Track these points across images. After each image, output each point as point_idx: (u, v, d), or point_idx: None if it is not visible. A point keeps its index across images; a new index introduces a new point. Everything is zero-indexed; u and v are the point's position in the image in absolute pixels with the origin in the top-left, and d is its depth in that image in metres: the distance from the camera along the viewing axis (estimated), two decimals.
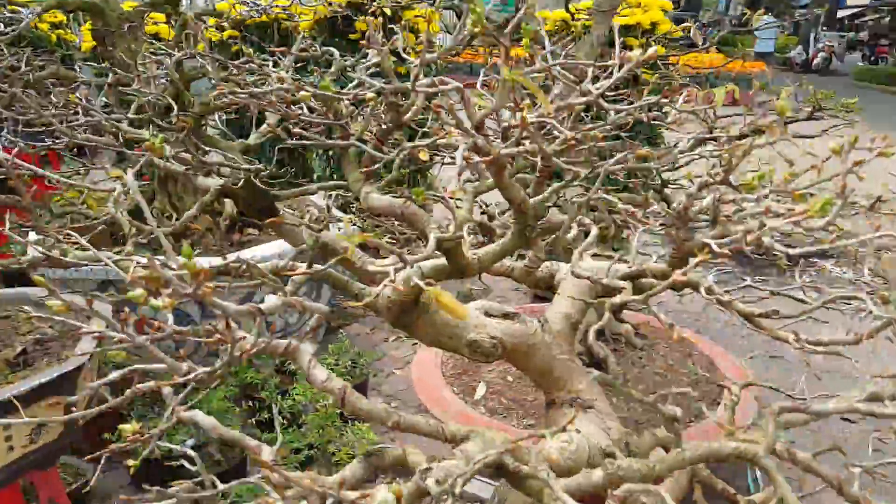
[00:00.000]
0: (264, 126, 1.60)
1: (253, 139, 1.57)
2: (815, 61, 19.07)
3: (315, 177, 4.87)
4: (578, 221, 1.30)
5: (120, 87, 1.86)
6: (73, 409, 2.55)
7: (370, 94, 1.03)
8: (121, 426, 0.88)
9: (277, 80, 1.16)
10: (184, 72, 1.55)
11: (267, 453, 1.04)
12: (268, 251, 3.54)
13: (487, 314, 1.37)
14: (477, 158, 1.00)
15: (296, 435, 3.04)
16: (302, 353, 0.98)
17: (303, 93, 0.99)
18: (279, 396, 3.23)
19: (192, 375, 0.88)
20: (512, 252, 1.28)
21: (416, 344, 3.97)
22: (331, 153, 5.00)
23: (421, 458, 1.01)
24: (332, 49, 1.25)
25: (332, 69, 1.15)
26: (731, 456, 1.01)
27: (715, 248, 0.90)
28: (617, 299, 0.92)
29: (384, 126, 1.13)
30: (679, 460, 1.03)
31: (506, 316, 1.37)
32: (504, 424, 2.78)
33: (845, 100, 2.51)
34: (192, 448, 3.14)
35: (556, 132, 0.97)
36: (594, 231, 1.06)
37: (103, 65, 3.47)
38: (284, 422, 3.11)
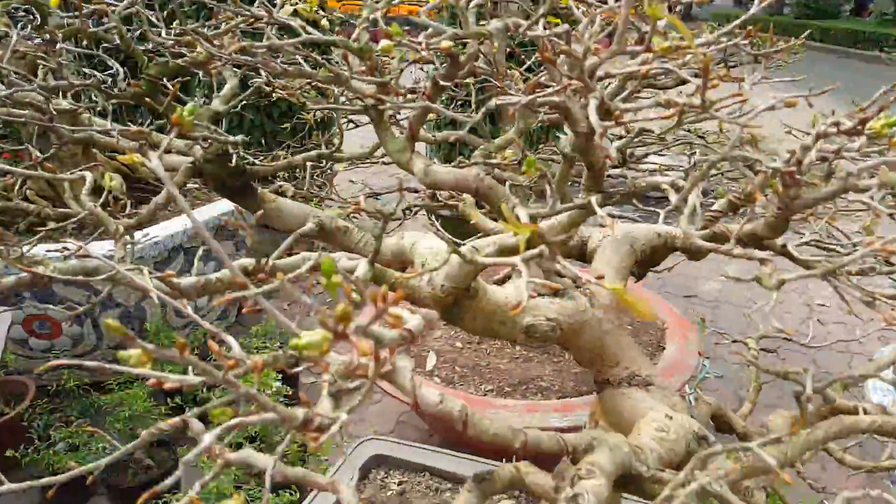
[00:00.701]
0: (227, 88, 1.34)
1: (219, 105, 1.31)
2: (677, 8, 19.78)
3: None
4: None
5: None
6: None
7: (445, 42, 0.83)
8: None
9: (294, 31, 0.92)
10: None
11: (348, 494, 0.85)
12: (167, 231, 3.19)
13: (536, 292, 1.22)
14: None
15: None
16: (401, 370, 0.79)
17: (385, 42, 0.77)
18: (205, 388, 2.94)
19: (318, 422, 0.66)
20: (580, 222, 1.14)
21: None
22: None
23: (542, 477, 0.85)
24: None
25: (364, 13, 0.93)
26: (868, 430, 0.93)
27: (878, 206, 0.79)
28: (793, 276, 0.79)
29: (436, 81, 0.93)
30: (812, 441, 0.94)
31: (555, 293, 1.23)
32: (462, 393, 2.66)
33: (792, 43, 2.50)
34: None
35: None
36: (693, 195, 0.92)
37: None
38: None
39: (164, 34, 1.27)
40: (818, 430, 0.94)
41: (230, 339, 0.79)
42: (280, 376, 2.78)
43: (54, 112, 1.25)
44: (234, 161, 1.16)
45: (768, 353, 3.62)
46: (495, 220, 1.32)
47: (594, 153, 0.94)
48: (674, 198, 0.93)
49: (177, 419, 0.90)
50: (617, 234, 1.33)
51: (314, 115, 2.78)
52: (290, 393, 2.95)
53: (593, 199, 0.86)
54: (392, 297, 0.49)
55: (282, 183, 1.46)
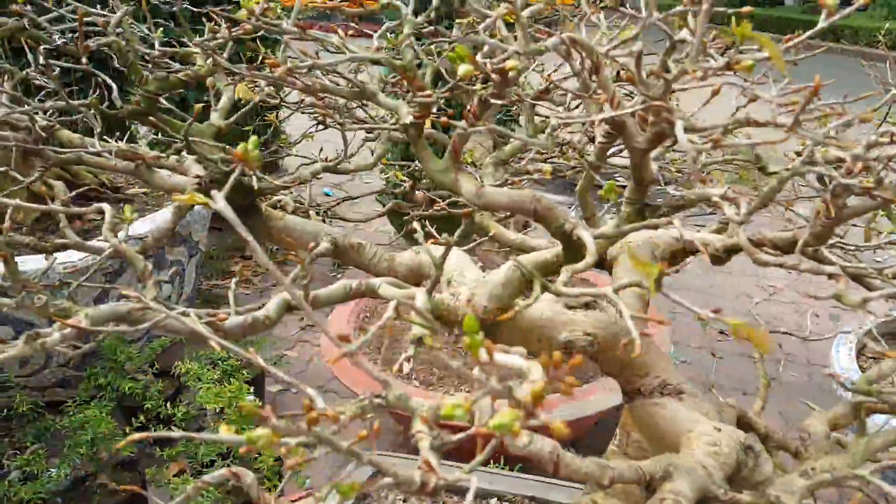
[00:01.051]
0: (224, 101, 1.26)
1: (218, 119, 1.22)
2: None
3: None
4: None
5: None
6: None
7: (511, 62, 0.78)
8: None
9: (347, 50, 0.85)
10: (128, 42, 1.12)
11: None
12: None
13: (567, 306, 1.20)
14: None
15: (203, 446, 2.66)
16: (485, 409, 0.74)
17: (466, 68, 0.72)
18: (167, 404, 2.81)
19: (433, 483, 0.61)
20: (624, 236, 1.11)
21: (302, 319, 3.67)
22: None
23: None
24: None
25: (406, 29, 0.86)
26: None
27: None
28: (875, 294, 0.78)
29: (484, 99, 0.88)
30: (870, 451, 0.94)
31: (587, 306, 1.21)
32: (444, 396, 2.63)
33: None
34: (78, 479, 2.67)
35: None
36: (744, 204, 0.91)
37: None
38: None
39: (156, 45, 1.18)
40: (877, 438, 0.94)
41: (312, 392, 0.73)
42: (251, 389, 2.69)
43: (43, 134, 1.15)
44: (253, 181, 1.09)
45: (721, 335, 3.71)
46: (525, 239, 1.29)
47: (647, 169, 0.92)
48: (730, 211, 0.91)
49: (224, 471, 0.84)
50: (638, 241, 1.32)
51: (276, 117, 2.68)
52: (261, 405, 2.85)
53: (677, 220, 0.83)
54: (573, 361, 0.45)
55: (280, 197, 1.39)
